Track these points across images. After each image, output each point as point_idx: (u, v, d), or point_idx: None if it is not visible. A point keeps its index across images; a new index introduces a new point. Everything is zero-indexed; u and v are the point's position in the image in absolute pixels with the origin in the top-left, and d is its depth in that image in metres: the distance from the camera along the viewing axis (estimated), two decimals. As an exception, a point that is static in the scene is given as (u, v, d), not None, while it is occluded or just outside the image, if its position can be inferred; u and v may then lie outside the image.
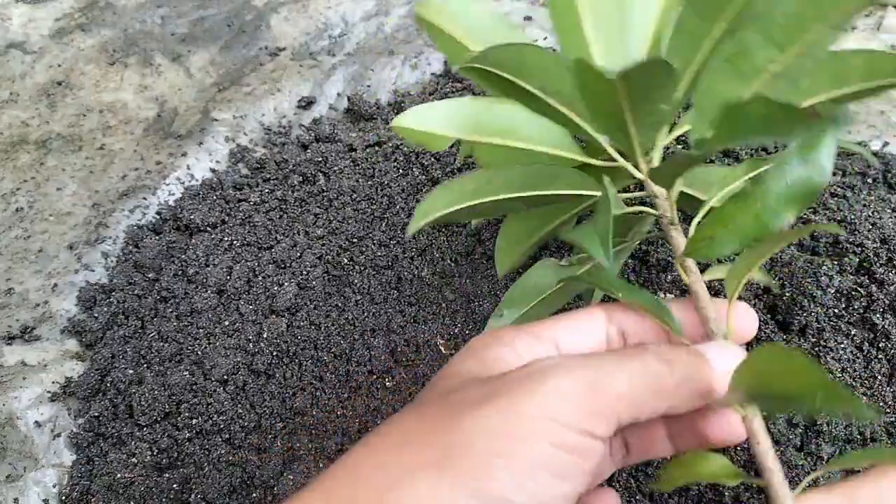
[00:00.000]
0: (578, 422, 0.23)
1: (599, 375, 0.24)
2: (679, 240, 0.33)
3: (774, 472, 0.27)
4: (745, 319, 0.31)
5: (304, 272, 0.54)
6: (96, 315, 0.56)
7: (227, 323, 0.52)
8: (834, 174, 0.59)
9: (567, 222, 0.40)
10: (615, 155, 0.34)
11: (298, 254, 0.55)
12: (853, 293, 0.49)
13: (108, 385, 0.51)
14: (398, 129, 0.34)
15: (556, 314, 0.32)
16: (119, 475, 0.46)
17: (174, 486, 0.45)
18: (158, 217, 0.63)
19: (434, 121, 0.34)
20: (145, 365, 0.51)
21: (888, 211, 0.53)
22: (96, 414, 0.50)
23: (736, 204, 0.27)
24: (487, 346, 0.28)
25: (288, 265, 0.55)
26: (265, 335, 0.51)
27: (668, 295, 0.48)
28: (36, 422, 0.50)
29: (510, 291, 0.40)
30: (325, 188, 0.61)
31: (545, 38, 0.77)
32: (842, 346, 0.46)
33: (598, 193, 0.34)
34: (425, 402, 0.26)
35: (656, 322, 0.30)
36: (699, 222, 0.31)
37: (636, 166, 0.33)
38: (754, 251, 0.27)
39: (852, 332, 0.47)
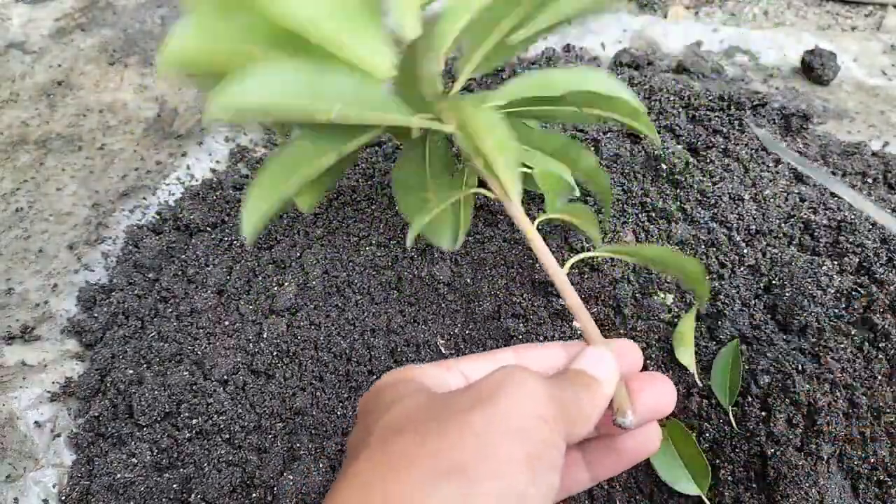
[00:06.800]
0: (553, 421, 0.25)
1: (552, 389, 0.26)
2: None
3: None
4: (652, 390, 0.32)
5: (304, 272, 0.54)
6: (96, 315, 0.56)
7: (227, 323, 0.52)
8: (833, 174, 0.59)
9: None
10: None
11: (298, 253, 0.55)
12: (853, 293, 0.49)
13: (108, 385, 0.51)
14: (223, 108, 0.28)
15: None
16: (119, 475, 0.46)
17: (174, 486, 0.45)
18: (158, 217, 0.63)
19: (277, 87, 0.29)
20: (145, 365, 0.51)
21: (888, 211, 0.53)
22: (96, 414, 0.50)
23: None
24: (404, 379, 0.28)
25: (288, 265, 0.55)
26: (265, 335, 0.51)
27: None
28: (36, 422, 0.50)
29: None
30: (325, 188, 0.61)
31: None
32: (842, 345, 0.46)
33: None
34: (396, 427, 0.25)
35: (556, 356, 0.32)
36: None
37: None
38: None
39: (852, 332, 0.47)
